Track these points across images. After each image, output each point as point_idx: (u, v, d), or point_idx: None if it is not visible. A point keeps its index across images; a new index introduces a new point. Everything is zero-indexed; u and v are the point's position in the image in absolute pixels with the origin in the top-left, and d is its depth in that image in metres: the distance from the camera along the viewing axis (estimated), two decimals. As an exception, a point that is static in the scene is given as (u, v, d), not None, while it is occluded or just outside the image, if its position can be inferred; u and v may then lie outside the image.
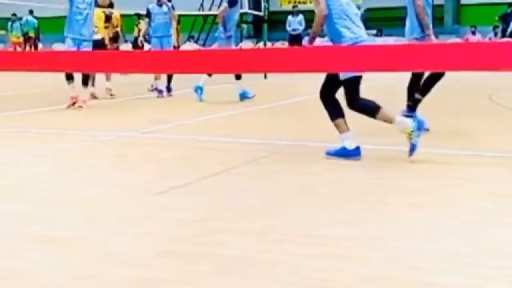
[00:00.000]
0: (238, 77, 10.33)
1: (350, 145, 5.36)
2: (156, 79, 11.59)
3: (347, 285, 2.66)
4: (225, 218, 3.69)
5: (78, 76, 9.50)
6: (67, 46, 9.49)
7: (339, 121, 5.42)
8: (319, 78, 10.55)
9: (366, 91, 5.58)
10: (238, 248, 3.13)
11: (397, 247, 3.14)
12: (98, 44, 10.88)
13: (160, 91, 11.41)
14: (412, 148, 5.18)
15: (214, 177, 4.83)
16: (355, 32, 5.38)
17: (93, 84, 11.17)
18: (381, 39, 26.00)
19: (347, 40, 5.30)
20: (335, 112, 5.46)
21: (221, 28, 10.49)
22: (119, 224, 3.60)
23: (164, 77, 11.61)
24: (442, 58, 3.83)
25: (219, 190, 4.42)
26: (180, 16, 12.55)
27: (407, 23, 6.78)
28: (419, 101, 6.85)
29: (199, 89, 10.53)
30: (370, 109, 5.38)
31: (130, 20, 20.85)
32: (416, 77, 6.79)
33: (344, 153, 5.32)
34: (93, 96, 11.03)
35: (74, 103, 9.42)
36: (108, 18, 11.87)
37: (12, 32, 23.33)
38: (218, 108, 9.47)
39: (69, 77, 9.45)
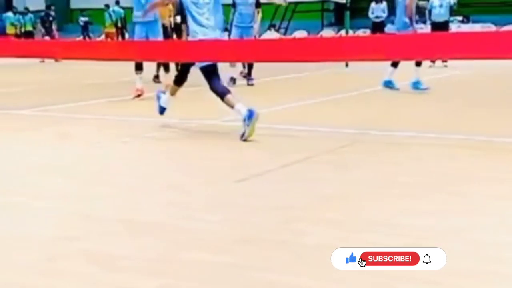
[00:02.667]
0: (418, 64, 10.03)
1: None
2: (231, 66, 11.63)
3: (428, 277, 2.61)
4: (305, 206, 3.68)
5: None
6: (136, 35, 9.41)
7: (228, 97, 5.99)
8: (400, 66, 10.32)
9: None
10: (317, 236, 3.13)
11: (481, 239, 3.04)
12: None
13: (232, 79, 11.45)
14: (242, 134, 5.65)
15: (295, 165, 4.83)
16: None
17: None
18: (467, 26, 25.17)
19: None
20: (223, 90, 6.10)
21: (405, 19, 10.13)
22: (200, 209, 3.66)
23: (239, 65, 11.67)
24: None
25: (300, 178, 4.42)
26: (262, 4, 12.57)
27: None
28: None
29: (389, 83, 10.08)
30: (221, 93, 6.05)
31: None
32: None
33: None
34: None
35: (139, 95, 9.40)
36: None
37: (106, 22, 24.03)
38: (298, 97, 9.45)
39: (139, 67, 9.54)
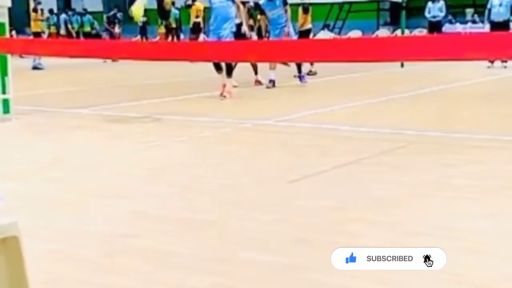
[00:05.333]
0: None
1: None
2: (270, 68, 11.63)
3: (484, 281, 2.56)
4: (359, 208, 3.65)
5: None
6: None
7: None
8: (458, 67, 10.12)
9: None
10: (371, 238, 3.10)
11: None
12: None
13: (271, 81, 11.44)
14: None
15: (349, 166, 4.80)
16: None
17: (256, 73, 11.73)
18: None
19: None
20: None
21: None
22: (253, 209, 3.68)
23: (279, 67, 11.72)
24: None
25: (354, 180, 4.38)
26: (314, 4, 12.59)
27: None
28: None
29: None
30: None
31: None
32: None
33: None
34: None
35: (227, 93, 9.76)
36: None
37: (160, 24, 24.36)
38: (353, 97, 9.39)
39: (218, 68, 9.81)
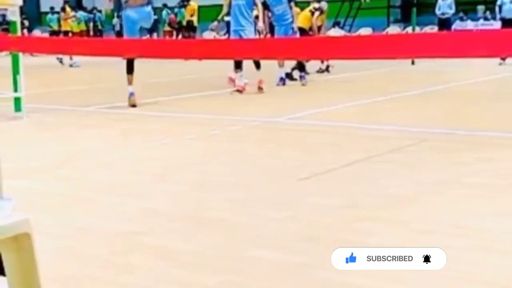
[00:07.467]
0: None
1: None
2: (280, 66, 11.60)
3: (495, 280, 2.55)
4: (369, 206, 3.65)
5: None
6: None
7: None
8: (469, 64, 10.07)
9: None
10: (382, 237, 3.09)
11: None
12: None
13: (282, 79, 11.42)
14: None
15: (359, 164, 4.79)
16: None
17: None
18: None
19: None
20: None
21: None
22: (263, 207, 3.68)
23: (288, 65, 11.70)
24: None
25: (364, 178, 4.37)
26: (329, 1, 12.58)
27: None
28: None
29: None
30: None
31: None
32: None
33: None
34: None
35: (239, 91, 9.85)
36: None
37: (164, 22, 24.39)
38: (362, 95, 9.37)
39: (238, 66, 9.87)
